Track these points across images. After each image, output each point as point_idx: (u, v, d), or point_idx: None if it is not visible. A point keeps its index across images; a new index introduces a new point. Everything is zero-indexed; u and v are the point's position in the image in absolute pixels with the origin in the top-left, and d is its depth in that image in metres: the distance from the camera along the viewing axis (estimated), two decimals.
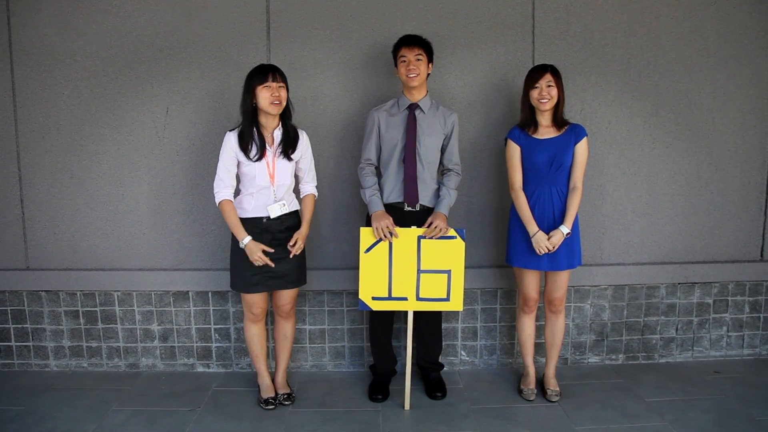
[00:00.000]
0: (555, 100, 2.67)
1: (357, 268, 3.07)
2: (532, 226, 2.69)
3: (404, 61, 2.69)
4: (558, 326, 2.87)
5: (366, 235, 2.72)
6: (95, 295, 3.15)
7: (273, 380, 2.90)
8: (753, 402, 2.80)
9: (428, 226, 2.69)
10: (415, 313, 2.84)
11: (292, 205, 2.74)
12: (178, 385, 3.04)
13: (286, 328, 2.85)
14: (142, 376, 3.15)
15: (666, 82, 3.13)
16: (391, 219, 2.68)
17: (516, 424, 2.63)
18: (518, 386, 2.96)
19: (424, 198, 2.78)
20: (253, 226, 2.63)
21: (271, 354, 3.02)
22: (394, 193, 2.79)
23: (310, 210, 2.78)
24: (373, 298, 2.73)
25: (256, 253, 2.58)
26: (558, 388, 2.87)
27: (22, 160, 3.10)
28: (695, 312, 3.27)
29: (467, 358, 3.24)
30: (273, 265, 2.61)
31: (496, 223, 3.16)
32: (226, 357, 3.21)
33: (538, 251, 2.68)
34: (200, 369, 3.22)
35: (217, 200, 2.62)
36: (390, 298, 2.74)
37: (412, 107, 2.76)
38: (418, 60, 2.69)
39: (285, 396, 2.85)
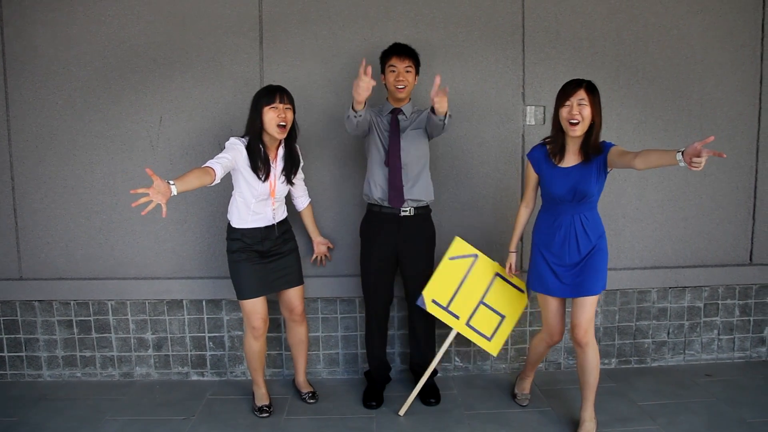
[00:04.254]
0: (588, 122, 2.33)
1: (351, 275, 3.09)
2: (512, 245, 2.75)
3: (393, 71, 2.71)
4: (588, 361, 2.47)
5: (457, 246, 2.80)
6: (89, 304, 3.15)
7: (295, 382, 3.01)
8: (744, 404, 2.83)
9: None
10: (410, 317, 2.89)
11: (284, 213, 2.81)
12: (172, 394, 3.03)
13: (300, 333, 2.90)
14: (136, 386, 3.14)
15: (654, 89, 3.18)
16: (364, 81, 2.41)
17: (510, 429, 2.65)
18: (512, 391, 2.98)
19: (413, 194, 2.77)
20: (254, 235, 2.67)
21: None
22: (383, 195, 2.80)
23: (313, 218, 3.02)
24: (433, 301, 2.78)
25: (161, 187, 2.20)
26: None
27: (16, 170, 3.10)
28: (686, 316, 3.30)
29: (461, 364, 3.25)
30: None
31: (489, 230, 3.19)
32: (221, 365, 3.21)
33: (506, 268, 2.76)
34: (195, 377, 3.22)
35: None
36: (446, 308, 2.79)
37: (395, 111, 2.80)
38: (408, 72, 2.71)
39: (310, 394, 2.93)
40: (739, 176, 3.27)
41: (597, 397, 2.88)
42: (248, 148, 2.59)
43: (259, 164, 2.59)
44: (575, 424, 2.65)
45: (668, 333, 3.31)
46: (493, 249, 3.18)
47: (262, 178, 2.60)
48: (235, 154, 2.55)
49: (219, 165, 2.45)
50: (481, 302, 2.80)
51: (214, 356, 3.20)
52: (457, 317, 2.78)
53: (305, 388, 2.96)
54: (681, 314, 3.30)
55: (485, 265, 2.81)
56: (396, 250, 2.82)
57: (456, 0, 3.07)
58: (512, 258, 2.76)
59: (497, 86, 3.13)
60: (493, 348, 2.79)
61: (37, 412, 2.85)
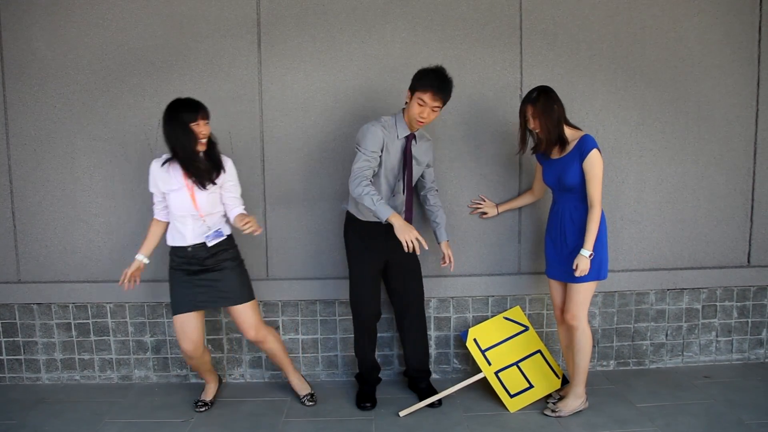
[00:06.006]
0: (546, 125, 2.59)
1: (348, 277, 3.08)
2: (502, 205, 3.12)
3: (422, 105, 2.55)
4: (575, 342, 2.71)
5: (515, 312, 3.12)
6: (87, 307, 3.15)
7: (291, 385, 2.95)
8: (742, 406, 2.83)
9: (448, 260, 2.93)
10: (402, 320, 2.91)
11: (221, 234, 2.65)
12: (171, 397, 3.03)
13: (267, 349, 2.81)
14: (135, 388, 3.14)
15: (652, 91, 3.18)
16: (416, 230, 2.44)
17: (508, 431, 2.65)
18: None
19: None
20: (183, 254, 2.64)
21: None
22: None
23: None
24: (474, 340, 3.01)
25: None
26: (564, 408, 2.75)
27: (14, 173, 3.10)
28: (684, 317, 3.31)
29: (459, 366, 3.25)
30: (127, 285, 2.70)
31: (486, 232, 3.19)
32: (219, 368, 3.20)
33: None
34: (193, 380, 3.22)
35: None
36: (483, 352, 2.98)
37: (410, 137, 2.72)
38: (434, 111, 2.59)
39: (308, 396, 2.92)
40: (736, 178, 3.27)
41: (595, 399, 2.90)
42: (165, 163, 2.58)
43: (172, 178, 2.58)
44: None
45: (666, 335, 3.31)
46: (492, 250, 3.19)
47: (175, 187, 2.57)
48: (152, 180, 2.64)
49: (159, 209, 2.70)
50: (516, 364, 2.95)
51: (213, 359, 3.19)
52: (489, 363, 2.94)
53: (303, 390, 2.95)
54: (679, 316, 3.31)
55: (532, 339, 3.04)
56: (386, 258, 2.80)
57: (453, 2, 3.08)
58: (493, 208, 3.10)
59: (495, 89, 3.13)
60: (512, 405, 2.84)
61: (35, 415, 2.85)
